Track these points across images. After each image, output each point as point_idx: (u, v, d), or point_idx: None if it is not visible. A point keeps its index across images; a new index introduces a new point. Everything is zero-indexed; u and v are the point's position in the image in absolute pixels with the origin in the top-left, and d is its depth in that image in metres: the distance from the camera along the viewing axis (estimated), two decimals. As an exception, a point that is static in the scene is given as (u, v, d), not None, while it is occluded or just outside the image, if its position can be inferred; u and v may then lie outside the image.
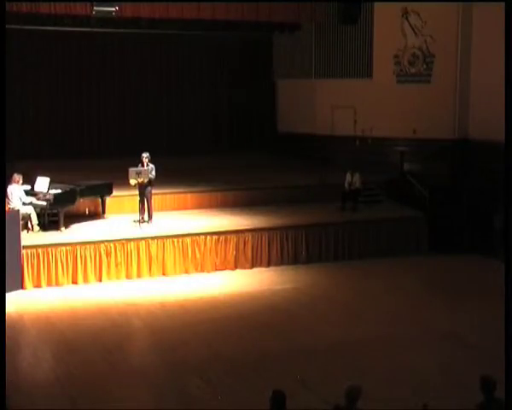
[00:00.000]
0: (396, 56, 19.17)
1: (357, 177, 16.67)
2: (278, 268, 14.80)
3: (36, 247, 13.16)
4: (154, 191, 14.87)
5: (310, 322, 11.73)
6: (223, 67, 22.43)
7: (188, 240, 14.24)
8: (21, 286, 12.92)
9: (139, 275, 13.90)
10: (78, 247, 13.43)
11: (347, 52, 20.28)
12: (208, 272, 14.36)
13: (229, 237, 14.56)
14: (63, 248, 13.32)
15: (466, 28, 18.24)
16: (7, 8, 12.47)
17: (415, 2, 18.52)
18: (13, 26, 16.53)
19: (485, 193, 16.50)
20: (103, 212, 15.55)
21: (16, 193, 13.72)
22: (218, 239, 14.45)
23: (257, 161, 20.61)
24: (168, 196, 16.42)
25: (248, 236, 14.74)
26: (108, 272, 13.67)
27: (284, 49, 22.07)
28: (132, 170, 14.28)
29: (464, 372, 9.28)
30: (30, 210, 13.93)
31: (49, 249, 13.21)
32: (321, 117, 20.70)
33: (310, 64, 21.20)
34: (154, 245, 13.97)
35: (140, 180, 14.33)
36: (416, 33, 18.79)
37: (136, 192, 14.65)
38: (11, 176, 13.71)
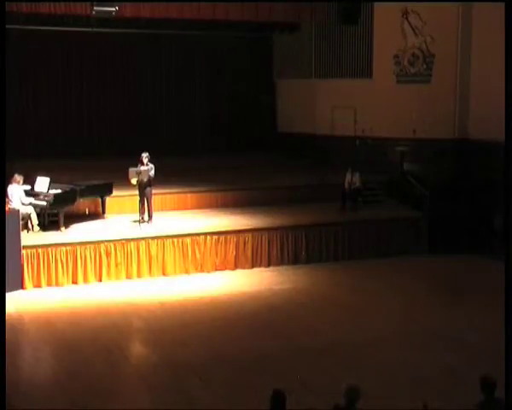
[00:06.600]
0: (396, 56, 19.17)
1: (357, 176, 16.67)
2: (278, 268, 14.80)
3: (36, 247, 13.16)
4: (154, 191, 14.88)
5: (309, 322, 11.72)
6: (223, 67, 22.43)
7: (188, 240, 14.24)
8: (21, 286, 12.91)
9: (139, 275, 13.90)
10: (78, 247, 13.43)
11: (347, 52, 20.28)
12: (208, 272, 14.36)
13: (229, 237, 14.56)
14: (63, 248, 13.32)
15: (466, 28, 18.25)
16: (7, 8, 12.45)
17: (415, 2, 18.53)
18: (13, 26, 16.55)
19: (485, 193, 16.48)
20: (103, 212, 15.56)
21: (17, 193, 13.72)
22: (218, 239, 14.45)
23: (257, 161, 20.60)
24: (168, 196, 16.43)
25: (248, 236, 14.73)
26: (108, 272, 13.67)
27: (284, 49, 22.07)
28: (132, 170, 14.31)
29: (464, 372, 9.29)
30: (30, 210, 13.93)
31: (49, 249, 13.21)
32: (321, 117, 20.71)
33: (310, 64, 21.20)
34: (154, 245, 13.98)
35: (140, 179, 14.35)
36: (416, 33, 18.78)
37: (136, 192, 14.67)
38: (12, 176, 13.73)
